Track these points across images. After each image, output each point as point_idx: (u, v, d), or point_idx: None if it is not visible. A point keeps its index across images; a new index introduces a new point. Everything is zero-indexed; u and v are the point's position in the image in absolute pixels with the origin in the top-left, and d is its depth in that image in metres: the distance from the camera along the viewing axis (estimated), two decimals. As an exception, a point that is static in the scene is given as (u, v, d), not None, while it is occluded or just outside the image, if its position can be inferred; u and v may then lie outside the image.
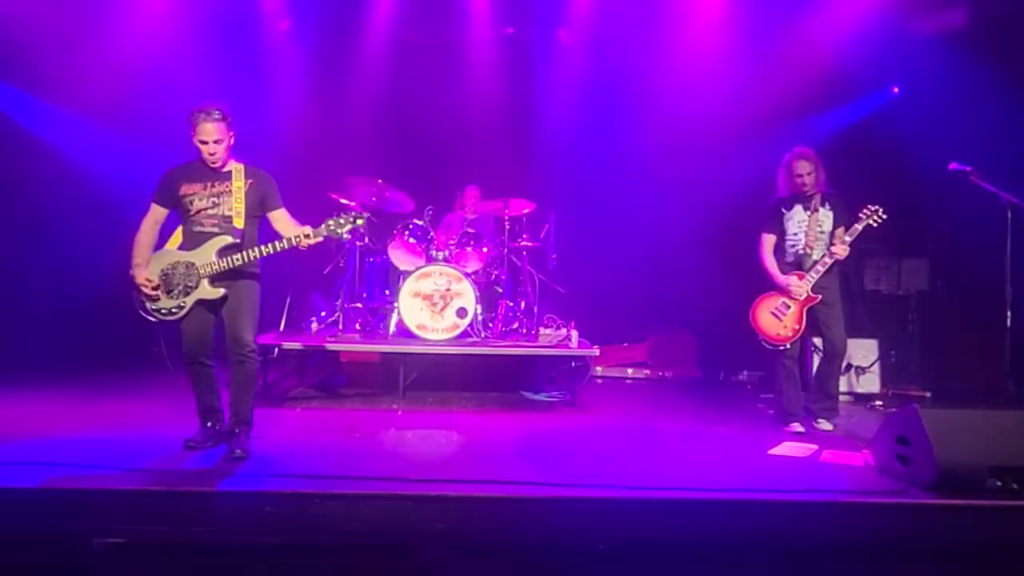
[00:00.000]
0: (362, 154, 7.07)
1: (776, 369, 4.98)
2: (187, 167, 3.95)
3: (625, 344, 7.58)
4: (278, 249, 3.83)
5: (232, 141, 3.91)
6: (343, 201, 6.17)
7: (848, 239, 4.76)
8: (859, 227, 4.75)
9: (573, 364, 5.85)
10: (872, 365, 6.43)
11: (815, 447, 4.41)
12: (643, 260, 7.46)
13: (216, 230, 3.86)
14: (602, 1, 7.17)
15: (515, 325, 6.40)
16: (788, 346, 4.83)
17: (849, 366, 6.51)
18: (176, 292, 3.84)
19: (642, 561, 3.23)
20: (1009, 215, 4.52)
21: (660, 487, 3.53)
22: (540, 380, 6.30)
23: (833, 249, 4.77)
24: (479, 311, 5.98)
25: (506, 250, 6.60)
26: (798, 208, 4.91)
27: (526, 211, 6.64)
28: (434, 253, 6.14)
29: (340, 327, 6.18)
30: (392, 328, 6.06)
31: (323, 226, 3.83)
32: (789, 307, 4.83)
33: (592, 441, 4.62)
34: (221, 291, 3.85)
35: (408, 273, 5.95)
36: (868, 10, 6.65)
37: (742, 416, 5.59)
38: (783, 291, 4.84)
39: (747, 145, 7.32)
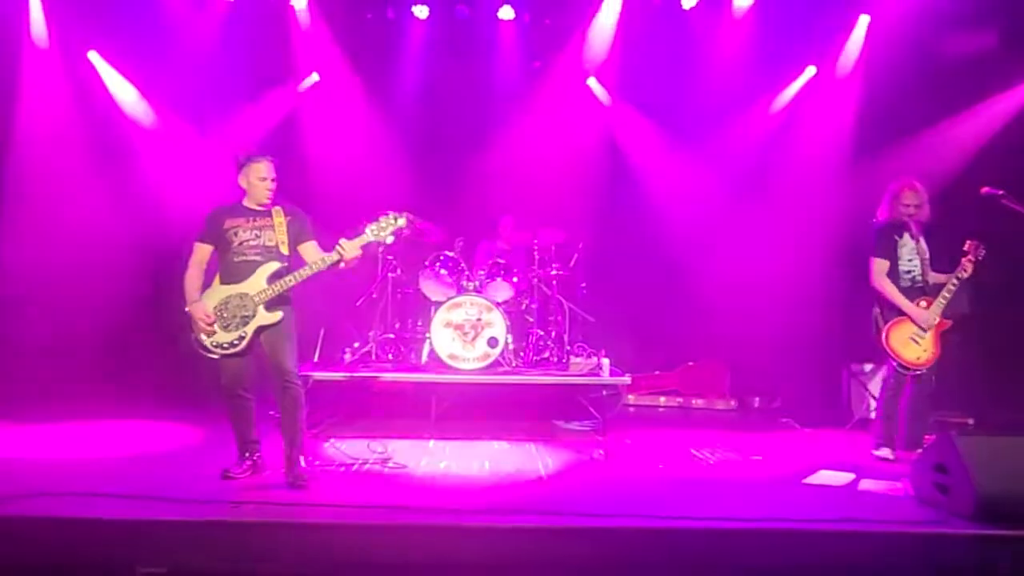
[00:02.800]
0: (393, 188, 7.22)
1: (891, 393, 4.91)
2: (230, 207, 4.15)
3: (656, 372, 7.55)
4: (327, 264, 3.93)
5: None
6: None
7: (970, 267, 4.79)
8: (972, 258, 4.77)
9: (605, 393, 5.85)
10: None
11: (852, 476, 4.34)
12: (673, 287, 7.46)
13: (259, 258, 4.00)
14: (629, 34, 7.29)
15: (546, 354, 6.42)
16: (925, 371, 4.81)
17: (891, 394, 6.39)
18: (234, 324, 3.94)
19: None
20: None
21: (694, 517, 3.50)
22: (572, 409, 6.29)
23: (966, 267, 4.76)
24: (510, 340, 6.01)
25: (536, 279, 6.65)
26: (907, 235, 4.93)
27: (555, 241, 6.69)
28: (465, 283, 6.21)
29: (373, 357, 6.26)
30: (424, 358, 6.12)
31: (365, 232, 3.96)
32: (927, 331, 4.81)
33: (624, 471, 4.60)
34: (279, 314, 3.96)
35: (439, 303, 6.02)
36: (895, 36, 6.64)
37: (777, 444, 5.51)
38: (913, 322, 4.79)
39: (778, 171, 7.32)
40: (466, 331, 5.87)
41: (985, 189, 4.68)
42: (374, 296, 6.60)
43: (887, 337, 4.83)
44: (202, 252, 4.11)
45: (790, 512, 3.61)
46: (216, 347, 3.94)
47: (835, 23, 6.90)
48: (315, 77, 7.56)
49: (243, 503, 3.61)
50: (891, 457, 4.79)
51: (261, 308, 3.94)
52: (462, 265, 6.36)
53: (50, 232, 6.73)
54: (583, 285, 6.96)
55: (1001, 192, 4.57)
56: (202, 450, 4.74)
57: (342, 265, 3.97)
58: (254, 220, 4.08)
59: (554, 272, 6.68)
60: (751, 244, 7.32)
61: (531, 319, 6.62)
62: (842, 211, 7.03)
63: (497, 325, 5.87)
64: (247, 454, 4.15)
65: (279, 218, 4.09)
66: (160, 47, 6.90)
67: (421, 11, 7.17)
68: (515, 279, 6.46)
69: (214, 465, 4.15)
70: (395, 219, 4.01)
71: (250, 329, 3.94)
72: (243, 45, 7.04)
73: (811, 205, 7.17)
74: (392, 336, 6.42)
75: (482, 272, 6.38)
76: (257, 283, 3.96)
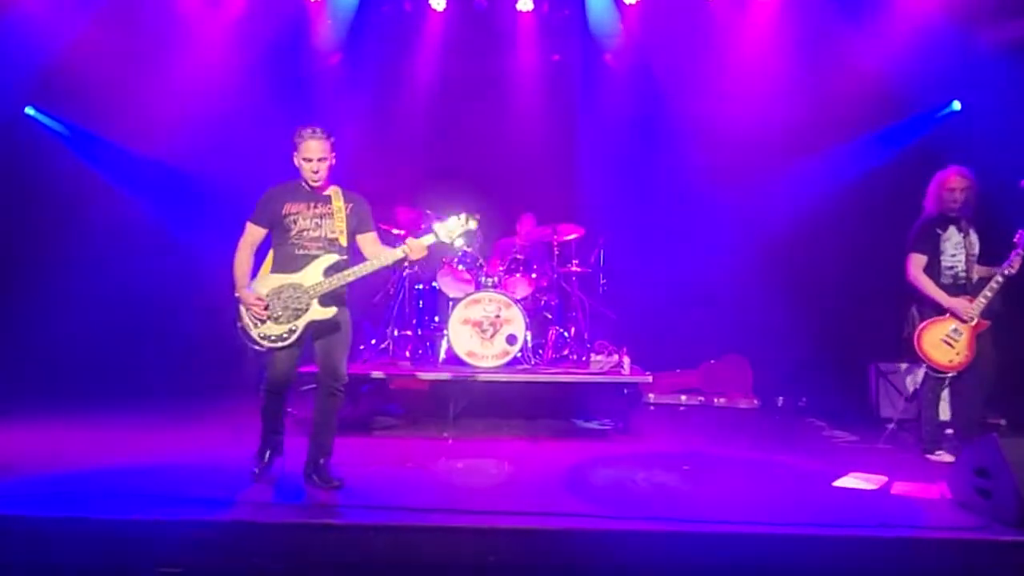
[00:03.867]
0: (411, 184, 7.15)
1: (929, 396, 4.83)
2: (288, 186, 3.88)
3: (678, 370, 7.41)
4: (390, 261, 3.71)
5: (334, 162, 3.84)
6: (394, 232, 6.20)
7: (1019, 261, 4.61)
8: (1021, 251, 4.59)
9: (626, 391, 5.73)
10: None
11: (884, 479, 4.19)
12: (695, 283, 7.32)
13: (320, 252, 3.77)
14: (648, 25, 7.16)
15: (565, 352, 6.32)
16: (957, 373, 4.66)
17: (916, 393, 6.23)
18: (285, 317, 3.71)
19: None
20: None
21: (719, 520, 3.39)
22: (592, 407, 6.19)
23: (1014, 264, 4.59)
24: (529, 337, 5.92)
25: (556, 276, 6.54)
26: (952, 229, 4.75)
27: (574, 236, 6.58)
28: (483, 279, 6.12)
29: (390, 355, 6.20)
30: (442, 355, 6.04)
31: (433, 232, 3.71)
32: (961, 333, 4.64)
33: (647, 471, 4.49)
34: (334, 310, 3.73)
35: (457, 300, 5.94)
36: (922, 24, 6.45)
37: (803, 445, 5.37)
38: (953, 314, 4.63)
39: (800, 165, 7.16)
40: (484, 328, 5.78)
41: (1024, 182, 4.52)
42: (391, 292, 6.53)
43: (919, 339, 4.69)
44: (255, 234, 3.83)
45: (820, 516, 3.49)
46: (263, 339, 3.72)
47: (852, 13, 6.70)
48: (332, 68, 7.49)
49: (259, 504, 3.53)
50: (949, 459, 4.60)
51: (315, 303, 3.69)
52: (480, 261, 6.27)
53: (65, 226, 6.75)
54: (603, 281, 6.84)
55: (1042, 184, 4.40)
56: (218, 449, 4.67)
57: (406, 264, 3.79)
58: (315, 206, 3.80)
59: (574, 268, 6.57)
60: (775, 238, 7.16)
61: (550, 316, 6.51)
62: (868, 206, 6.88)
63: (516, 322, 5.78)
64: (270, 451, 3.93)
65: (338, 202, 3.82)
66: (174, 34, 6.85)
67: (438, 3, 7.07)
68: (534, 275, 6.36)
69: (231, 464, 4.08)
70: (466, 220, 3.72)
71: (301, 323, 3.70)
72: (259, 38, 6.99)
73: (837, 199, 7.00)
74: (409, 333, 6.35)
75: (501, 268, 6.28)
76: (313, 275, 3.72)
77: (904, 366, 6.32)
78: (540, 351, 6.19)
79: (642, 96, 7.43)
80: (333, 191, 3.88)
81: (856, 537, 3.22)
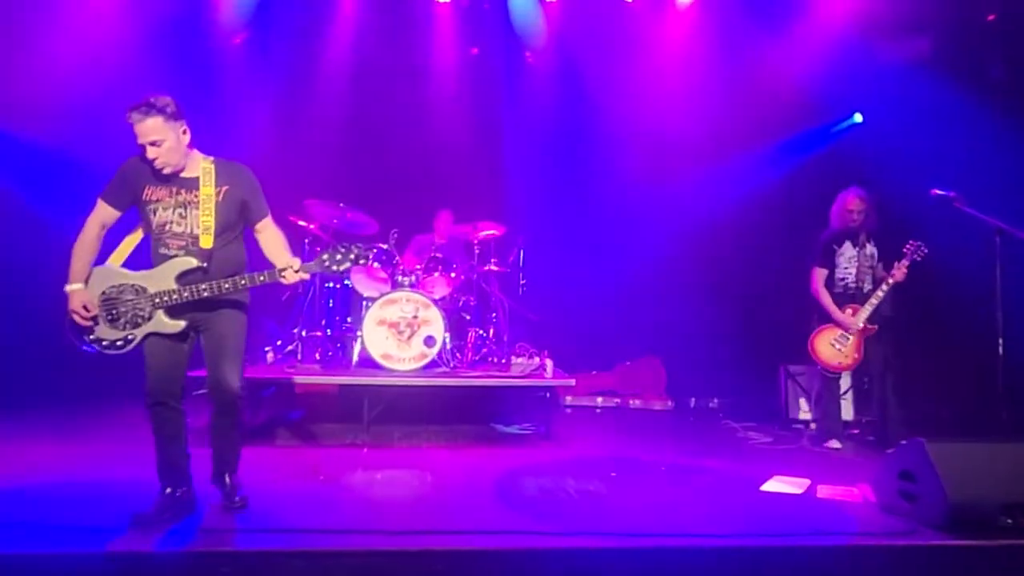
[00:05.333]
0: (323, 175, 6.73)
1: (824, 392, 5.32)
2: (152, 165, 3.19)
3: (593, 372, 7.36)
4: (257, 283, 3.19)
5: (186, 137, 3.18)
6: (302, 223, 5.81)
7: (904, 271, 4.99)
8: (906, 262, 4.98)
9: (547, 394, 5.59)
10: (845, 392, 6.30)
11: (808, 482, 4.21)
12: (612, 285, 7.30)
13: (179, 253, 3.18)
14: (569, 24, 7.06)
15: (484, 352, 6.10)
16: (845, 373, 5.17)
17: (821, 395, 6.42)
18: (122, 323, 3.15)
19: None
20: (997, 240, 4.44)
21: (653, 533, 3.26)
22: (512, 412, 6.00)
23: (896, 274, 4.99)
24: (448, 339, 5.67)
25: (475, 275, 6.32)
26: (847, 244, 5.21)
27: (494, 234, 6.37)
28: (400, 278, 5.81)
29: (299, 357, 5.79)
30: (355, 358, 5.69)
31: (316, 261, 3.25)
32: (848, 338, 5.11)
33: (576, 480, 4.32)
34: (182, 324, 3.18)
35: (372, 300, 5.61)
36: (834, 37, 6.67)
37: (722, 447, 5.39)
38: (840, 325, 5.11)
39: (718, 169, 7.26)
40: (401, 329, 5.49)
41: (934, 191, 4.67)
42: (299, 291, 6.11)
43: (812, 343, 5.21)
44: (105, 214, 3.21)
45: (754, 525, 3.43)
46: (95, 342, 3.16)
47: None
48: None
49: (151, 532, 3.09)
50: (839, 446, 5.15)
51: (160, 314, 3.14)
52: (397, 259, 5.96)
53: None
54: (523, 282, 6.67)
55: (953, 194, 4.55)
56: (101, 468, 4.14)
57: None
58: (178, 193, 3.18)
59: (493, 268, 6.36)
60: (690, 241, 7.23)
61: (468, 316, 6.28)
62: (780, 210, 7.05)
63: (434, 323, 5.52)
64: (169, 489, 3.27)
65: (208, 188, 3.19)
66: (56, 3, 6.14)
67: (352, -15, 6.70)
68: (453, 274, 6.12)
69: (115, 485, 3.63)
70: (355, 253, 3.23)
71: (140, 333, 3.15)
72: (154, 12, 6.37)
73: (751, 203, 7.14)
74: (319, 334, 5.95)
75: (419, 267, 5.99)
76: (162, 280, 3.14)
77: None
78: (459, 353, 5.95)
79: (563, 95, 7.33)
80: (204, 170, 3.22)
81: (796, 547, 3.16)
